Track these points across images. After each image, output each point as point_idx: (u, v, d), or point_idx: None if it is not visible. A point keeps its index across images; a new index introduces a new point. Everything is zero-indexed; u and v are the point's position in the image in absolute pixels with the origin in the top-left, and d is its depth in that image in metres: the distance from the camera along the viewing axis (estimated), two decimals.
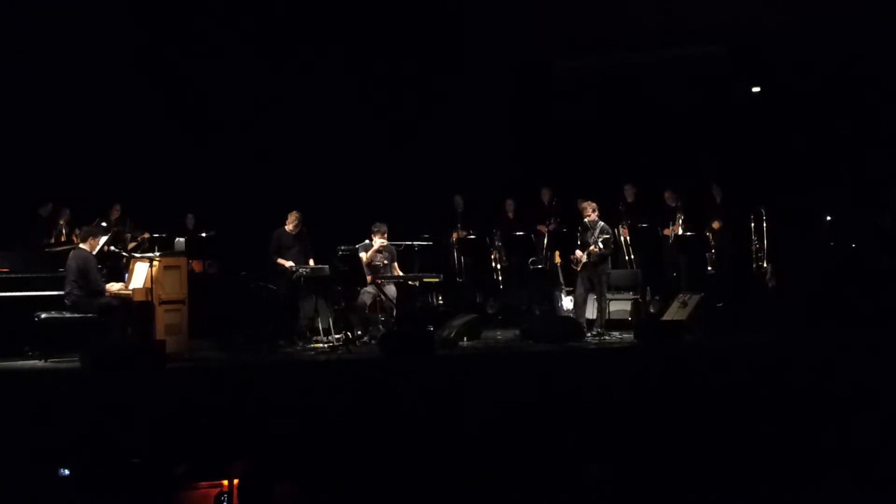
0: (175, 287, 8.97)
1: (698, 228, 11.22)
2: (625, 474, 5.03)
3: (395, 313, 9.90)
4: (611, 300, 10.48)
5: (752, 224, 11.18)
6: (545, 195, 12.25)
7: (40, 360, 8.70)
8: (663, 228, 11.51)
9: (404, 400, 7.22)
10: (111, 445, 5.97)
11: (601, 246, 9.85)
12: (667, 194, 11.53)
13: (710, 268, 11.16)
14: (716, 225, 11.17)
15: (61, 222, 10.86)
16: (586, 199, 10.25)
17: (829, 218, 12.27)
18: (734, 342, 9.66)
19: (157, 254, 9.14)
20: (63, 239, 10.63)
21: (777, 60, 12.42)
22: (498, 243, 12.20)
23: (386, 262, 10.18)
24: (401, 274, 10.21)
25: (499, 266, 12.29)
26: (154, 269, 8.84)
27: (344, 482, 5.08)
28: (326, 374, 8.47)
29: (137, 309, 8.80)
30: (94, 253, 9.18)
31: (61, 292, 8.89)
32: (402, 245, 10.47)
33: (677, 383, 7.55)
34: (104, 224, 10.28)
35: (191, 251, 10.07)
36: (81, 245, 8.93)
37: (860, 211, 11.69)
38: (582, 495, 4.79)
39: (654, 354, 8.89)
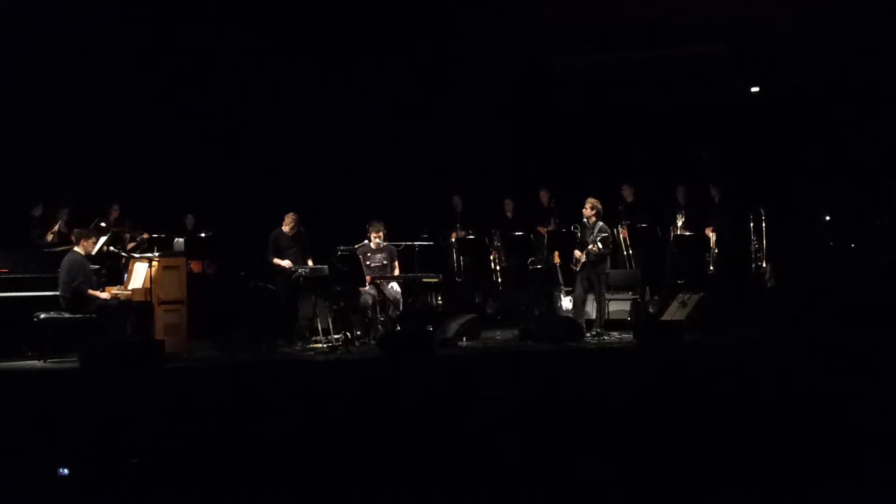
0: (174, 287, 8.99)
1: (697, 228, 11.22)
2: (624, 474, 5.04)
3: (399, 312, 9.90)
4: (610, 300, 10.49)
5: (752, 224, 11.17)
6: (544, 196, 12.22)
7: (39, 360, 8.71)
8: (665, 228, 11.47)
9: (403, 400, 7.21)
10: (110, 446, 5.97)
11: (600, 245, 9.84)
12: (679, 189, 11.52)
13: (710, 268, 11.16)
14: (709, 231, 11.15)
15: (58, 223, 10.83)
16: (593, 198, 10.16)
17: (828, 218, 12.26)
18: (733, 342, 9.67)
19: (157, 254, 9.15)
20: (57, 240, 10.60)
21: (777, 60, 12.40)
22: (497, 243, 12.19)
23: (385, 262, 10.18)
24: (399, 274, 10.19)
25: (498, 266, 12.29)
26: (153, 269, 8.85)
27: (342, 482, 5.08)
28: (326, 374, 8.47)
29: (136, 309, 8.81)
30: (94, 253, 9.18)
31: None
32: (401, 245, 10.47)
33: (676, 383, 7.55)
34: (103, 224, 10.28)
35: (190, 251, 10.07)
36: (75, 248, 8.92)
37: (859, 211, 11.68)
38: (580, 495, 4.79)
39: (654, 354, 8.89)
